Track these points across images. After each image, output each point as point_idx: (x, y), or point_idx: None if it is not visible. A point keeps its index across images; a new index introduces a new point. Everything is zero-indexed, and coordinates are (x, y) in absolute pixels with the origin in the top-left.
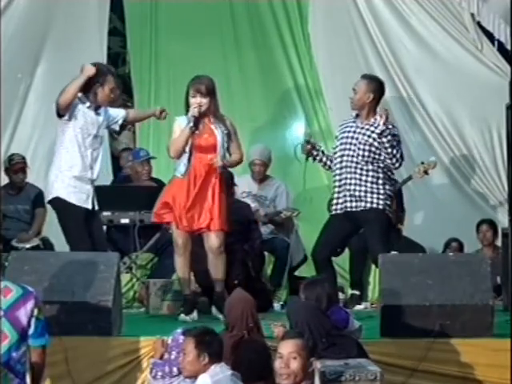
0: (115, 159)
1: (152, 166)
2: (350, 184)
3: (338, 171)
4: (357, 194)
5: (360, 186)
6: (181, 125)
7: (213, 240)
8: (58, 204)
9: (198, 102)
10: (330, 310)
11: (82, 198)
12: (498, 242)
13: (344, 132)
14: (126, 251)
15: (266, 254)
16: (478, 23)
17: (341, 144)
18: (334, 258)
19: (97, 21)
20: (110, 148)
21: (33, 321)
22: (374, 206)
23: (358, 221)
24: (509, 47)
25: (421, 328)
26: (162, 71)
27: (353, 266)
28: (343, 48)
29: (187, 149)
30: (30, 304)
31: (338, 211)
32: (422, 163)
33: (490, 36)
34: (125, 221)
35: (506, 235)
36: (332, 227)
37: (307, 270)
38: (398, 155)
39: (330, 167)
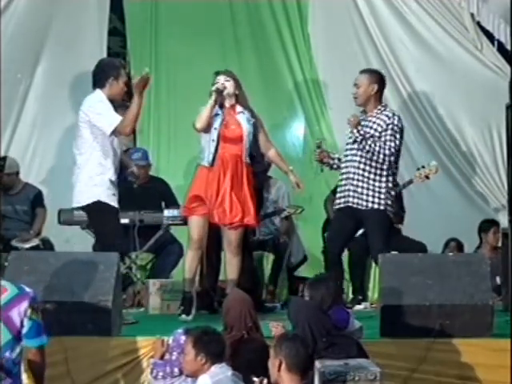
0: None
1: (149, 167)
2: (353, 179)
3: (343, 164)
4: (359, 190)
5: (363, 182)
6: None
7: (232, 236)
8: (100, 208)
9: (223, 80)
10: (331, 310)
11: (116, 200)
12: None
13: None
14: (126, 251)
15: (265, 253)
16: (478, 23)
17: (349, 139)
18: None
19: (97, 21)
20: None
21: (25, 321)
22: (376, 206)
23: (360, 218)
24: (509, 47)
25: (421, 328)
26: (162, 71)
27: (352, 272)
28: (343, 48)
29: (215, 137)
30: (24, 304)
31: (342, 205)
32: (423, 167)
33: (489, 36)
34: (124, 221)
35: (506, 235)
36: (338, 222)
37: (307, 270)
38: (387, 149)
39: None
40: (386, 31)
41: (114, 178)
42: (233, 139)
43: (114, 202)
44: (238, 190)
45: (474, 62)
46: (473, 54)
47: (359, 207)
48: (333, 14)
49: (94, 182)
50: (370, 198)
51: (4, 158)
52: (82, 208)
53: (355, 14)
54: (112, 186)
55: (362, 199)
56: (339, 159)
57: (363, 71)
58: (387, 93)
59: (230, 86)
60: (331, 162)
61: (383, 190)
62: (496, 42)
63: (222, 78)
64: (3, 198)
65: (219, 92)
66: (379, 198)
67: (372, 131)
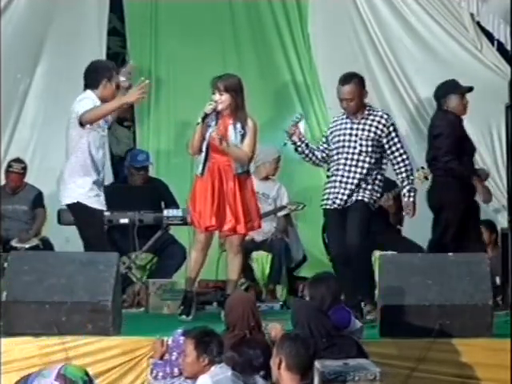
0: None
1: (150, 168)
2: (354, 180)
3: (335, 167)
4: (354, 188)
5: (359, 180)
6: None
7: (233, 237)
8: (79, 209)
9: (216, 99)
10: (332, 310)
11: (100, 201)
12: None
13: (340, 129)
14: (126, 251)
15: (264, 253)
16: (478, 23)
17: (338, 141)
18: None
19: (96, 21)
20: (110, 148)
21: None
22: (359, 197)
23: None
24: (509, 47)
25: (421, 328)
26: (162, 71)
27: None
28: (343, 48)
29: (204, 147)
30: None
31: (336, 206)
32: (422, 168)
33: (489, 36)
34: (124, 221)
35: (506, 235)
36: (339, 222)
37: (307, 270)
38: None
39: (313, 161)
40: (386, 31)
41: (97, 178)
42: (220, 150)
43: (96, 204)
44: (230, 199)
45: (474, 62)
46: (473, 54)
47: (347, 204)
48: (333, 14)
49: (75, 183)
50: (355, 193)
51: (21, 160)
52: (67, 207)
53: (355, 14)
54: (95, 187)
55: (350, 196)
56: (307, 145)
57: (346, 81)
58: (387, 93)
59: (223, 102)
60: (298, 143)
61: (369, 187)
62: (496, 42)
63: (216, 94)
64: (3, 198)
65: (208, 115)
66: (364, 191)
67: (372, 134)
